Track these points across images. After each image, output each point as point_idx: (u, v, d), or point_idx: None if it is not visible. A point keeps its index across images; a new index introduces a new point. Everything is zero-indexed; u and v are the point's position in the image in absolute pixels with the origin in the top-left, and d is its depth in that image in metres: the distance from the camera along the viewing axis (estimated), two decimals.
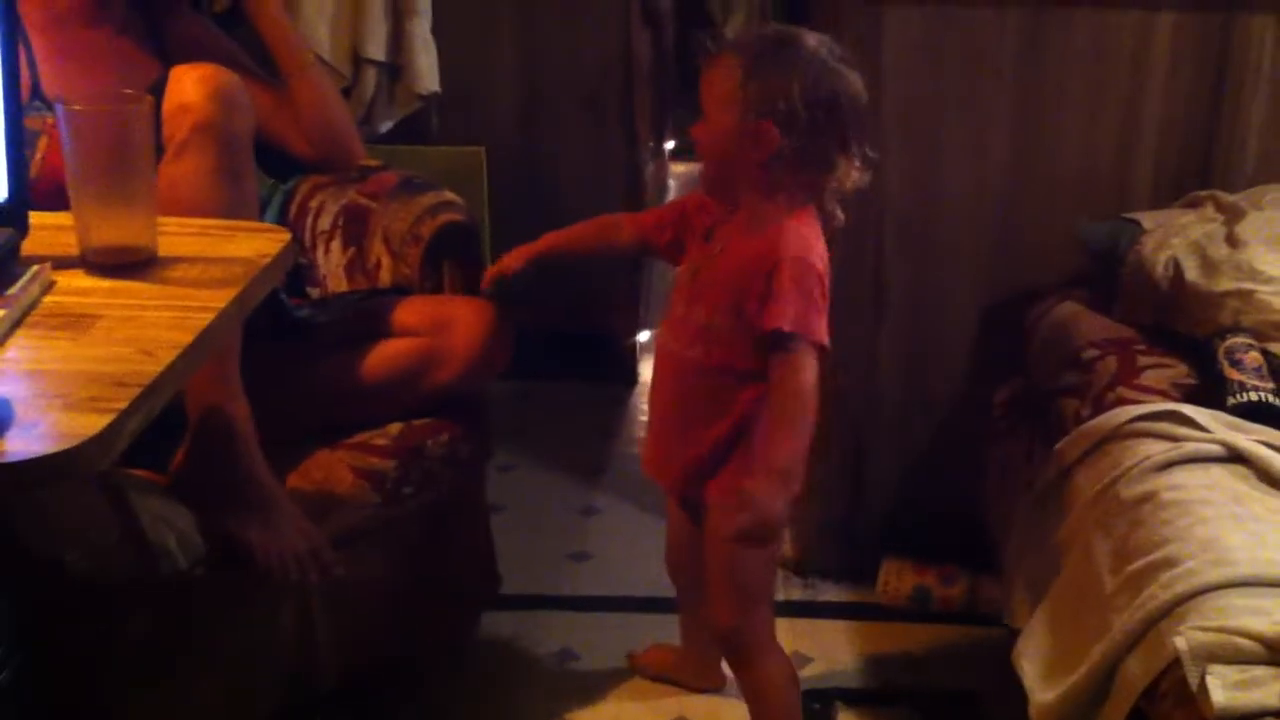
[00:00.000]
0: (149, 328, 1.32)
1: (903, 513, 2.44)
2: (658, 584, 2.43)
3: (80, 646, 1.72)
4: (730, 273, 1.77)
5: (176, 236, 1.54)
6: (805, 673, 2.17)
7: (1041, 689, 1.66)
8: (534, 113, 3.10)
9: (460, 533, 2.12)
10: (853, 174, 1.75)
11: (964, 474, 2.32)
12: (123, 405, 1.15)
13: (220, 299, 1.39)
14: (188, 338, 1.30)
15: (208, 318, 1.35)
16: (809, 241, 1.74)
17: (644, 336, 3.44)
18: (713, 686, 2.15)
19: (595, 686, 2.17)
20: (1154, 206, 2.18)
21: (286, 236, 1.57)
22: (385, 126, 2.92)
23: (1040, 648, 1.73)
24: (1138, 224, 2.09)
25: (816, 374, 1.72)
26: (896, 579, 2.36)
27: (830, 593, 2.42)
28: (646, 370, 3.36)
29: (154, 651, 1.74)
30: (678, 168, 4.83)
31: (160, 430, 1.75)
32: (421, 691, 2.13)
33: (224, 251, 1.52)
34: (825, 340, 1.73)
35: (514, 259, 1.97)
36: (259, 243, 1.55)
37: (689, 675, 2.16)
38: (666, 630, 2.25)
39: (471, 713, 2.12)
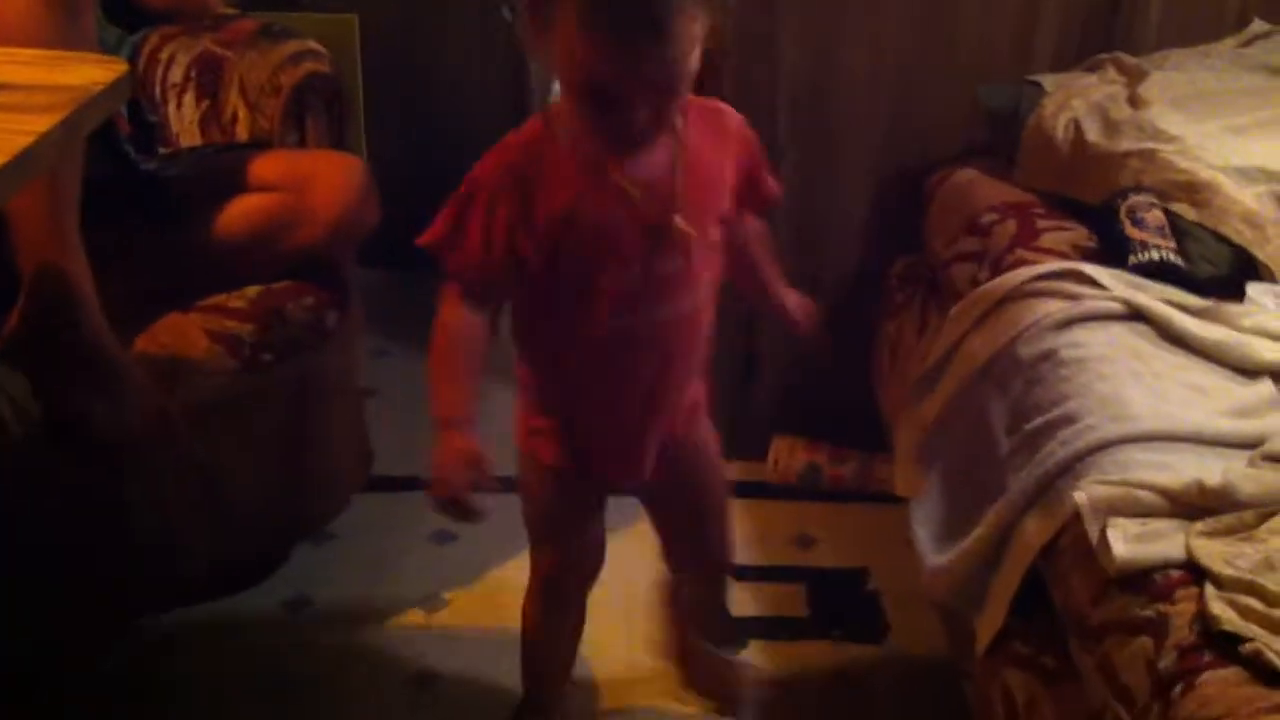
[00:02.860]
0: None
1: (794, 392, 2.37)
2: None
3: None
4: (707, 180, 1.43)
5: (1, 64, 1.38)
6: None
7: (935, 554, 1.61)
8: None
9: (329, 408, 2.00)
10: None
11: (856, 352, 2.25)
12: None
13: (43, 123, 1.25)
14: (2, 160, 1.16)
15: (27, 141, 1.21)
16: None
17: None
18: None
19: (471, 567, 2.09)
20: (1054, 73, 2.11)
21: (123, 66, 1.43)
22: None
23: (934, 514, 1.68)
24: (1039, 86, 2.03)
25: None
26: (787, 456, 2.29)
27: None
28: None
29: None
30: None
31: None
32: (289, 573, 2.02)
33: (52, 79, 1.37)
34: None
35: None
36: (92, 71, 1.40)
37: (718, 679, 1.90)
38: None
39: (343, 596, 2.02)
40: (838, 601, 2.05)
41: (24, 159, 1.19)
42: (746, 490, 2.29)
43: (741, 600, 2.03)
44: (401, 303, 2.90)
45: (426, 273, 3.03)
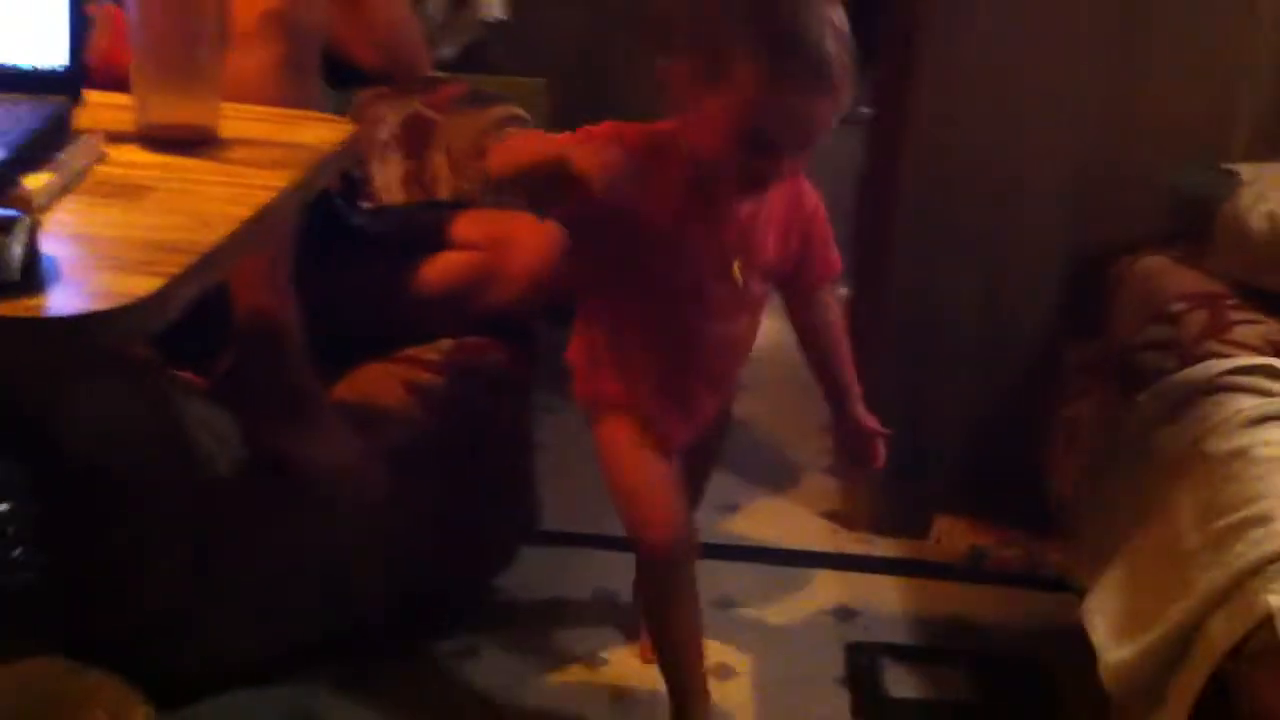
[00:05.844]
0: (206, 201, 1.25)
1: (960, 470, 2.36)
2: (701, 529, 2.38)
3: (113, 551, 1.66)
4: (775, 237, 1.68)
5: (238, 120, 1.47)
6: (851, 627, 2.11)
7: (1113, 648, 1.58)
8: (598, 46, 3.02)
9: (505, 460, 2.06)
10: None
11: (1028, 434, 2.24)
12: (176, 271, 1.09)
13: (281, 179, 1.32)
14: (246, 212, 1.23)
15: (268, 196, 1.28)
16: None
17: None
18: None
19: (634, 625, 2.10)
20: (1252, 160, 2.08)
21: (353, 127, 1.51)
22: (447, 52, 2.85)
23: (1113, 606, 1.65)
24: (1236, 175, 2.00)
25: None
26: (951, 536, 2.28)
27: (882, 547, 2.34)
28: None
29: (188, 561, 1.69)
30: None
31: (206, 333, 1.71)
32: (455, 626, 2.06)
33: (287, 137, 1.46)
34: None
35: None
36: (324, 131, 1.48)
37: None
38: (707, 573, 2.19)
39: (505, 650, 2.05)
40: (1006, 689, 2.01)
41: (266, 213, 1.26)
42: (907, 568, 2.29)
43: (901, 681, 2.01)
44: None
45: None
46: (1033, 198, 2.20)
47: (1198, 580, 1.48)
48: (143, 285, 1.05)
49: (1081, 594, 1.79)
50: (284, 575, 1.75)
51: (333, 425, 1.71)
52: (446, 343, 1.88)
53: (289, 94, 1.65)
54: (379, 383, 1.82)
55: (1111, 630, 1.61)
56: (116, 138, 1.38)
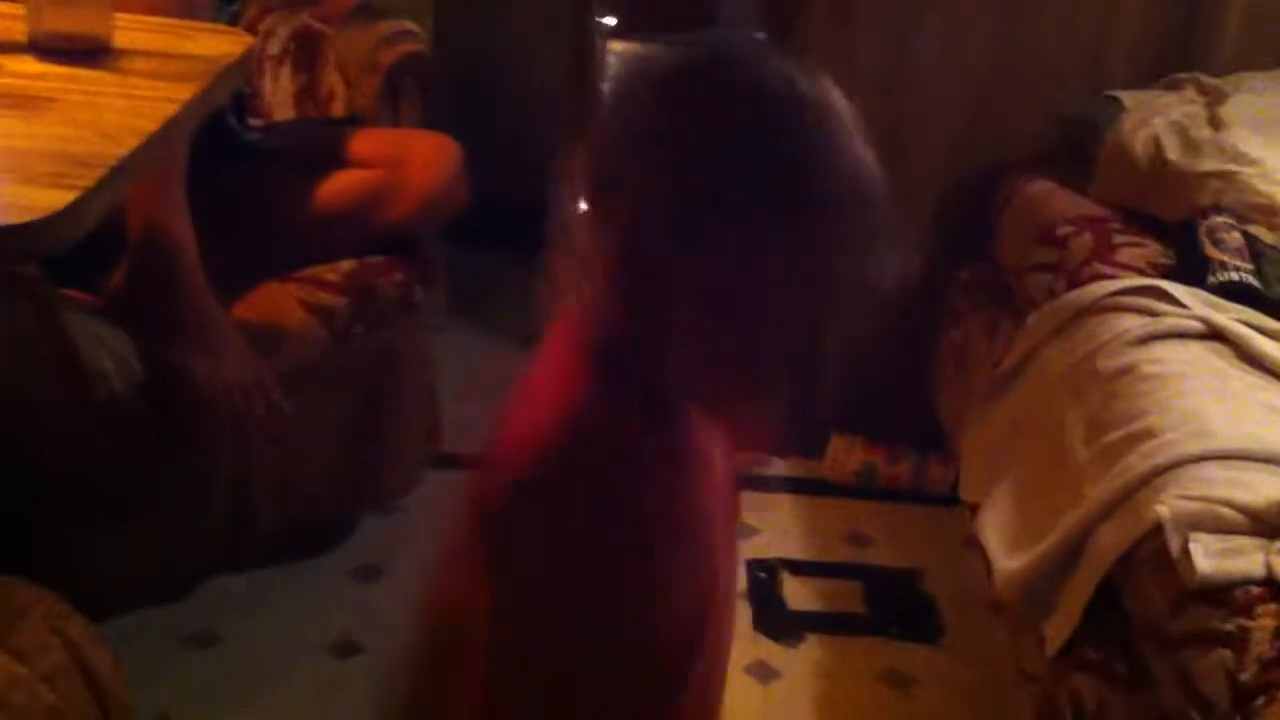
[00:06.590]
0: (108, 113, 1.22)
1: (854, 391, 2.39)
2: None
3: (9, 474, 1.62)
4: None
5: (133, 31, 1.43)
6: (751, 544, 2.14)
7: (1006, 558, 1.64)
8: None
9: (407, 382, 2.04)
10: None
11: (917, 354, 2.28)
12: (87, 184, 1.06)
13: (182, 92, 1.30)
14: (151, 125, 1.21)
15: (170, 109, 1.26)
16: None
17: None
18: None
19: None
20: (1130, 88, 2.13)
21: (249, 39, 1.48)
22: None
23: (1004, 519, 1.71)
24: (1118, 102, 2.05)
25: None
26: (845, 455, 2.32)
27: (777, 466, 2.38)
28: None
29: (81, 481, 1.65)
30: (616, 46, 4.68)
31: (97, 249, 1.66)
32: (359, 542, 2.06)
33: (184, 49, 1.42)
34: None
35: None
36: (220, 42, 1.45)
37: None
38: None
39: (407, 569, 2.05)
40: (894, 600, 2.08)
41: (170, 126, 1.23)
42: (803, 486, 2.33)
43: (798, 594, 2.07)
44: (459, 279, 2.94)
45: (484, 249, 3.05)
46: (921, 125, 2.23)
47: (1088, 492, 1.54)
48: (55, 199, 1.02)
49: (969, 509, 1.86)
50: (183, 495, 1.72)
51: (231, 343, 1.68)
52: (346, 263, 1.85)
53: (176, 3, 1.60)
54: (278, 302, 1.78)
55: (1004, 542, 1.67)
56: (7, 47, 1.33)
